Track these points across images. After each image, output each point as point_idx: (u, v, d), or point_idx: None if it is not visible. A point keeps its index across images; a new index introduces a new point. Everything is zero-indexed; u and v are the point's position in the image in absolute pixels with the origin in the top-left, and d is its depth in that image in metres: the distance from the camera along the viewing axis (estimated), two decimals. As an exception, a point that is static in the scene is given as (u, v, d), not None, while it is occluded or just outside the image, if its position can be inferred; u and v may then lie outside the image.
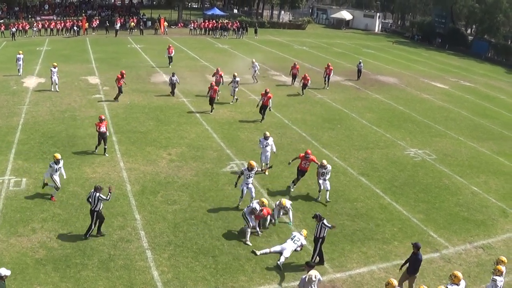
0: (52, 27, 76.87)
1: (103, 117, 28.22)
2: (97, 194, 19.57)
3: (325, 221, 19.03)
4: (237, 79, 40.60)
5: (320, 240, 19.07)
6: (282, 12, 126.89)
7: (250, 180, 23.12)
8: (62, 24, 78.14)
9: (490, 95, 56.68)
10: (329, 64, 49.95)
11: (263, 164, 27.47)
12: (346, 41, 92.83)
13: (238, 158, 29.21)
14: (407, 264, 17.82)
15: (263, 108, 36.04)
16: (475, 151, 34.97)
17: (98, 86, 43.48)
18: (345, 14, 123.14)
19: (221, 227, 21.65)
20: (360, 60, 56.72)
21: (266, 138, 27.09)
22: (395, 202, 25.63)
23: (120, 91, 39.23)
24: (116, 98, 39.33)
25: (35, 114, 34.54)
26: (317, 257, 19.30)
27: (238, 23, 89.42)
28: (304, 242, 19.99)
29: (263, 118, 36.45)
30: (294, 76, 49.47)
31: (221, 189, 25.17)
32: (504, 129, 41.84)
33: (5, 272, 14.87)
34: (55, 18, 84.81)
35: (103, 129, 27.84)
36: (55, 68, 40.65)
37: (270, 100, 35.57)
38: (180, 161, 28.24)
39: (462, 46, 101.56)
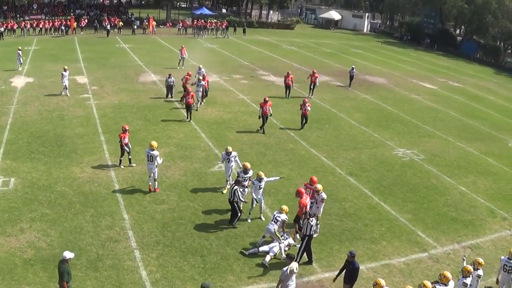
0: (40, 26, 76.49)
1: (127, 128, 27.13)
2: (235, 187, 21.25)
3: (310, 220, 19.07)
4: (202, 82, 38.57)
5: (307, 237, 19.11)
6: (271, 12, 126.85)
7: (245, 183, 23.09)
8: (51, 24, 77.85)
9: (478, 95, 56.95)
10: (315, 70, 46.14)
11: (228, 183, 24.88)
12: (334, 41, 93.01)
13: (226, 158, 29.22)
14: (343, 274, 17.39)
15: (264, 117, 34.22)
16: (464, 152, 35.11)
17: (86, 85, 43.28)
18: (334, 14, 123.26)
19: (210, 226, 21.65)
20: (353, 66, 53.54)
21: (228, 153, 24.80)
22: (383, 202, 25.70)
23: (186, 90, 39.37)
24: (181, 100, 39.39)
25: (23, 114, 34.39)
26: (303, 254, 19.40)
27: (226, 23, 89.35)
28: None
29: (263, 130, 34.55)
30: (288, 87, 44.54)
31: (209, 189, 25.12)
32: (492, 129, 42.05)
33: (69, 255, 15.24)
34: (43, 18, 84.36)
35: (126, 140, 26.61)
36: (66, 71, 39.47)
37: (270, 107, 34.23)
38: (168, 161, 28.19)
39: (451, 46, 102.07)
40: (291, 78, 44.22)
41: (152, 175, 24.27)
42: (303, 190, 21.50)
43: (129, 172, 26.27)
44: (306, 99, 37.05)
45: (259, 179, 22.10)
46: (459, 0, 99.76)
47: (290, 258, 16.72)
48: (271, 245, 19.83)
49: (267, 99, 34.47)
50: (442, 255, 21.30)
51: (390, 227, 23.17)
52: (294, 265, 16.35)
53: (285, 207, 20.09)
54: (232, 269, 18.85)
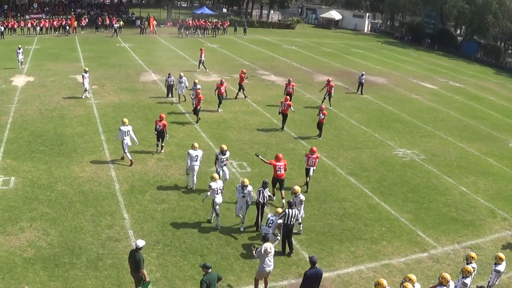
0: (41, 25, 76.36)
1: (164, 116, 29.28)
2: (261, 188, 21.54)
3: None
4: (198, 86, 37.12)
5: (283, 226, 19.69)
6: (272, 11, 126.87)
7: (223, 163, 24.45)
8: (51, 23, 77.87)
9: (479, 96, 56.91)
10: (330, 79, 43.70)
11: (191, 182, 25.27)
12: (335, 41, 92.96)
13: (227, 157, 29.20)
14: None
15: (284, 116, 34.99)
16: (464, 152, 35.11)
17: (87, 84, 43.26)
18: (335, 14, 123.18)
19: (210, 226, 21.65)
20: (363, 72, 50.80)
21: (194, 149, 24.71)
22: (383, 202, 25.70)
23: (242, 88, 42.57)
24: (238, 96, 42.71)
25: (23, 113, 34.39)
26: (286, 243, 20.09)
27: (227, 22, 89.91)
28: (280, 221, 19.94)
29: (282, 126, 35.43)
30: (289, 96, 39.39)
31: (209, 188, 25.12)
32: (492, 130, 42.04)
33: (142, 243, 16.00)
34: (44, 17, 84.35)
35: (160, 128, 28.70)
36: (86, 73, 38.88)
37: (291, 107, 34.85)
38: (168, 160, 28.21)
39: (452, 46, 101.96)
40: (293, 85, 41.82)
41: (127, 149, 27.07)
42: (281, 156, 24.32)
43: (129, 172, 26.29)
44: (323, 106, 35.35)
45: (243, 186, 21.32)
46: (459, 0, 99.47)
47: (265, 239, 17.24)
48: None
49: (288, 98, 35.33)
50: (442, 255, 21.30)
51: (390, 227, 23.18)
52: (267, 245, 16.85)
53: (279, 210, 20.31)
54: (232, 268, 18.86)
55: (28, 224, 20.51)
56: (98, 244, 19.57)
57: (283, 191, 24.18)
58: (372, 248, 21.27)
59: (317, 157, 26.07)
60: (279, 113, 35.17)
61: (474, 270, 17.12)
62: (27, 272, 17.33)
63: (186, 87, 39.92)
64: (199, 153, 24.65)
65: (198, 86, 36.99)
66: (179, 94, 39.82)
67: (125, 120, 27.28)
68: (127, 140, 26.83)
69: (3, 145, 28.63)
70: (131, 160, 27.27)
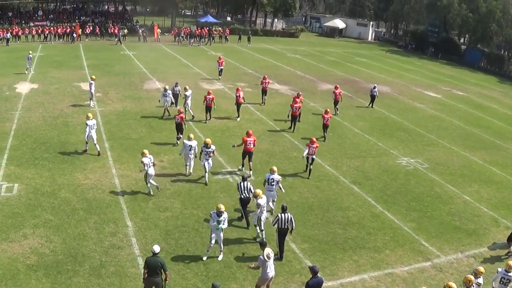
0: (46, 33, 76.53)
1: (182, 110, 33.02)
2: (240, 182, 22.38)
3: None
4: (188, 92, 36.97)
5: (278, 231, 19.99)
6: (276, 20, 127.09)
7: (208, 156, 26.01)
8: (55, 30, 78.06)
9: (482, 104, 56.86)
10: (337, 86, 43.63)
11: (188, 170, 27.70)
12: (339, 50, 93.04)
13: (230, 165, 29.18)
14: None
15: (293, 118, 37.02)
16: (467, 160, 35.05)
17: (91, 92, 43.34)
18: (338, 23, 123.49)
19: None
20: (375, 85, 48.54)
21: (189, 139, 26.71)
22: (387, 210, 25.65)
23: (265, 94, 44.64)
24: (263, 102, 44.65)
25: (27, 120, 34.44)
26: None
27: (208, 30, 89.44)
28: (278, 177, 22.89)
29: (292, 127, 37.40)
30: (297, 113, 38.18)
31: (213, 196, 25.12)
32: (496, 138, 41.97)
33: (158, 248, 16.42)
34: (48, 24, 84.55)
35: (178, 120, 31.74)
36: (93, 81, 38.70)
37: (300, 110, 37.02)
38: (172, 168, 28.19)
39: (455, 55, 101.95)
40: (301, 99, 39.17)
41: (95, 141, 29.21)
42: (251, 132, 27.93)
43: (132, 179, 26.28)
44: (328, 110, 36.24)
45: (218, 213, 19.44)
46: (463, 9, 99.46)
47: (263, 245, 17.23)
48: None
49: (297, 100, 37.12)
50: (445, 264, 21.24)
51: (393, 236, 23.13)
52: (267, 250, 16.92)
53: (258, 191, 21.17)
54: (235, 277, 18.84)
55: (31, 231, 20.52)
56: (101, 251, 19.57)
57: (251, 163, 27.90)
58: (375, 257, 21.22)
59: (317, 147, 28.40)
60: (288, 116, 37.47)
61: (479, 286, 17.04)
62: (30, 279, 17.33)
63: (172, 103, 38.03)
64: (193, 143, 26.57)
65: (188, 92, 36.98)
66: (164, 108, 37.99)
67: (90, 115, 29.25)
68: (92, 133, 28.78)
69: (7, 152, 28.66)
70: (98, 152, 29.28)
